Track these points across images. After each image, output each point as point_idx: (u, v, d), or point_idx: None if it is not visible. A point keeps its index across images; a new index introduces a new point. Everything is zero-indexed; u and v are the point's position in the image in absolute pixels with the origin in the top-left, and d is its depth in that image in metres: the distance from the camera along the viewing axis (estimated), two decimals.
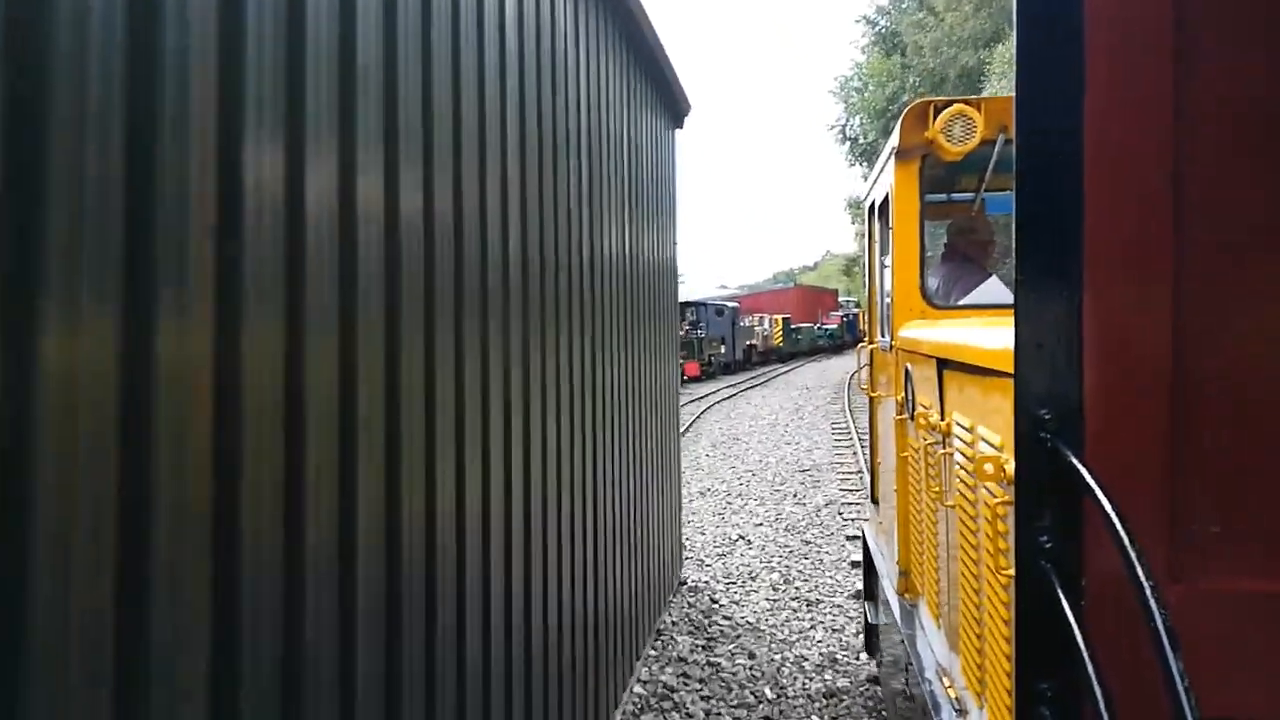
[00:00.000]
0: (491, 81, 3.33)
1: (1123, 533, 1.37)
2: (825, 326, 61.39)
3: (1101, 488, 1.46)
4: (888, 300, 4.79)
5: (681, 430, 17.14)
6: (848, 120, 38.37)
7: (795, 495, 13.12)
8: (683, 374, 32.01)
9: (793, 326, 52.35)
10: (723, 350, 37.96)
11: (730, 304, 41.92)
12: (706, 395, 28.65)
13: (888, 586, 4.75)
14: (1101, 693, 1.39)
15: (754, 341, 44.50)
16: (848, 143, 38.36)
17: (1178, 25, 1.70)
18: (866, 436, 10.93)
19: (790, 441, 18.16)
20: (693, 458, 16.22)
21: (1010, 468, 2.16)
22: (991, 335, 2.77)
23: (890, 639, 4.89)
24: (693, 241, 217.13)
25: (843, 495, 12.99)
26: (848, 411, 23.14)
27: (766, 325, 48.34)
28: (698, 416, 22.65)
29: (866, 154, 35.73)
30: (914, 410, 3.99)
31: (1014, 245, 1.71)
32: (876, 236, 5.40)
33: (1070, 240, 1.68)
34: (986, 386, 2.59)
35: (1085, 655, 1.45)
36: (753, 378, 36.56)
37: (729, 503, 12.93)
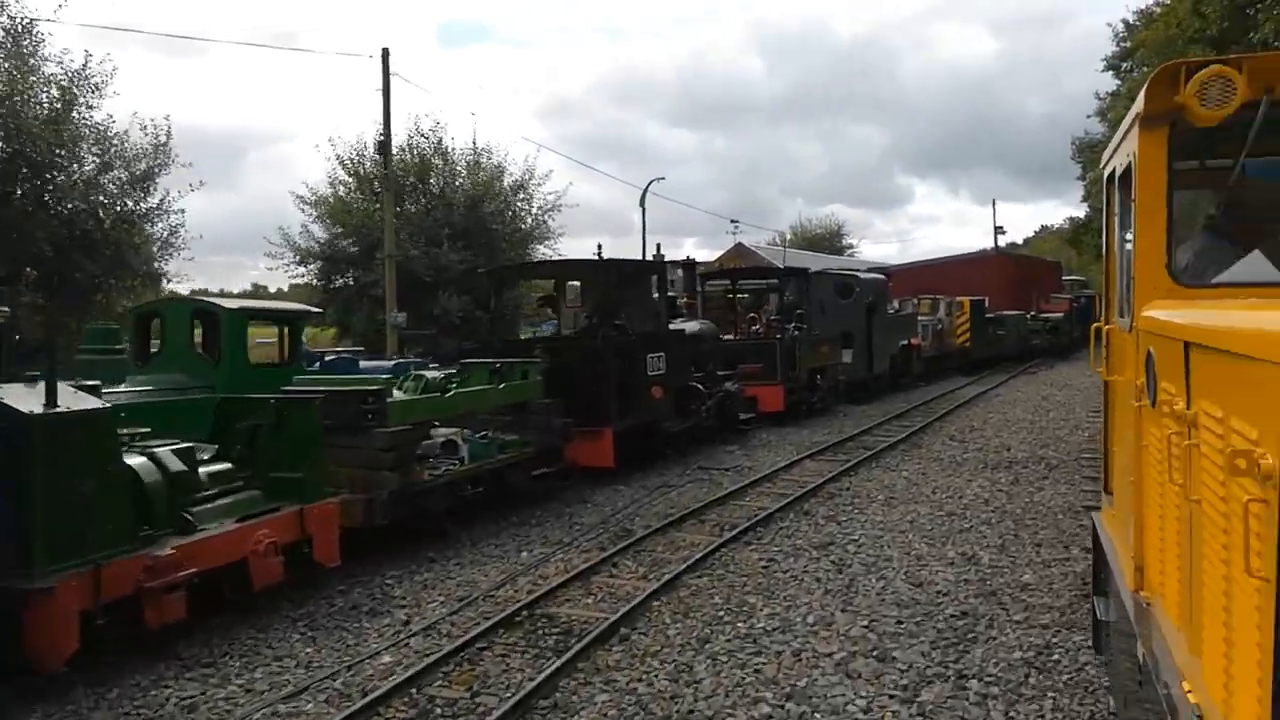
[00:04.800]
0: None
1: None
2: (1043, 315, 41.75)
3: None
4: (1129, 278, 4.48)
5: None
6: None
7: None
8: (752, 412, 17.17)
9: (989, 315, 34.56)
10: (846, 359, 21.78)
11: (870, 276, 26.08)
12: (728, 497, 11.55)
13: (1120, 583, 4.49)
14: None
15: (917, 340, 27.64)
16: None
17: None
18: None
19: None
20: None
21: (1267, 463, 2.01)
22: (1256, 317, 2.54)
23: (1120, 636, 4.62)
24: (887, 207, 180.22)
25: None
26: None
27: (941, 312, 30.77)
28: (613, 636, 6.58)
29: None
30: (1155, 397, 3.74)
31: None
32: (1116, 209, 5.04)
33: None
34: (1245, 374, 2.41)
35: None
36: (896, 418, 19.38)
37: None
